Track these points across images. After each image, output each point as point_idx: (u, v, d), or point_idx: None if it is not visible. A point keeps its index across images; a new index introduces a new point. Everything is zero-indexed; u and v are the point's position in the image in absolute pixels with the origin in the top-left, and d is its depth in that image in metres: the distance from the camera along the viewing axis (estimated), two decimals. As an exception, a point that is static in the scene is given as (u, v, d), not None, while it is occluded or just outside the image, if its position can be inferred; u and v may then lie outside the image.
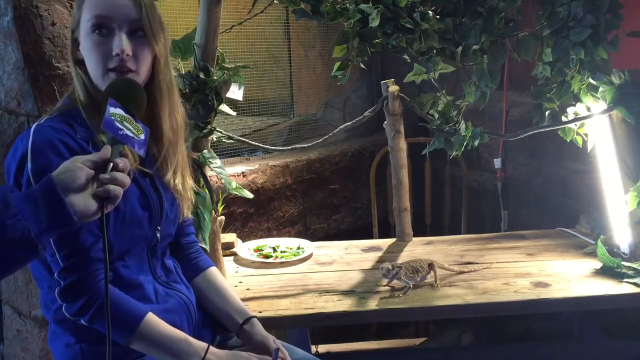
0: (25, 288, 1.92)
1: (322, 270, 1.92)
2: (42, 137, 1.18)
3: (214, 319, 1.46)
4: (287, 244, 2.14)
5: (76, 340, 1.27)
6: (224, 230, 1.99)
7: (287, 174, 2.69)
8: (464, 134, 1.89)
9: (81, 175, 0.94)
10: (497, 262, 1.93)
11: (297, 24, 2.88)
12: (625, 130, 1.88)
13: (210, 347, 1.27)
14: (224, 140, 1.82)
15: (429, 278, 1.77)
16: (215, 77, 1.66)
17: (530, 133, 1.97)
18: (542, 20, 1.68)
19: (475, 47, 1.71)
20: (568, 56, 1.69)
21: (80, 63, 1.26)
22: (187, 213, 1.44)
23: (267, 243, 2.14)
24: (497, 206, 2.76)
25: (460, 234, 2.56)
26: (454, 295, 1.69)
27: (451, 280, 1.80)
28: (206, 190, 1.68)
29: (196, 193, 1.57)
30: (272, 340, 1.38)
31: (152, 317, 1.24)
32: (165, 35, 1.30)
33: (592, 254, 1.90)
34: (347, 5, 1.69)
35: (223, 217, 1.85)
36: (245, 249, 2.08)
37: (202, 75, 1.64)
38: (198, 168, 1.69)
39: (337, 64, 1.78)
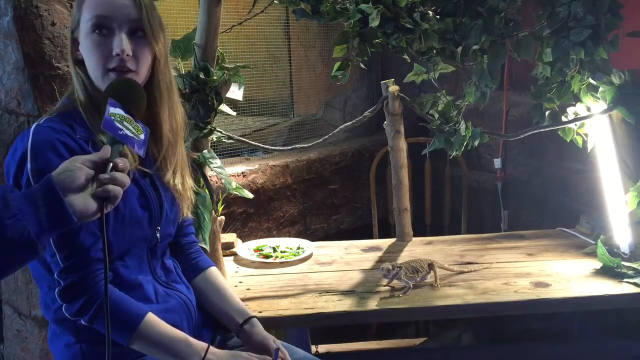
0: (25, 288, 1.92)
1: (322, 270, 1.92)
2: (41, 137, 1.18)
3: (214, 319, 1.46)
4: (287, 244, 2.14)
5: (76, 340, 1.27)
6: (224, 230, 1.99)
7: (287, 174, 2.69)
8: (464, 134, 1.89)
9: (81, 175, 0.93)
10: (497, 262, 1.93)
11: (297, 24, 2.88)
12: (625, 130, 1.88)
13: (210, 347, 1.27)
14: (224, 140, 1.82)
15: (429, 278, 1.77)
16: (215, 77, 1.66)
17: (530, 133, 1.97)
18: (542, 20, 1.68)
19: (475, 47, 1.71)
20: (568, 56, 1.69)
21: (79, 63, 1.26)
22: (187, 213, 1.44)
23: (267, 243, 2.14)
24: (497, 206, 2.76)
25: (460, 234, 2.55)
26: (454, 295, 1.69)
27: (451, 280, 1.80)
28: (206, 190, 1.68)
29: (196, 193, 1.57)
30: (272, 340, 1.38)
31: (152, 317, 1.24)
32: (165, 35, 1.30)
33: (592, 254, 1.90)
34: (347, 5, 1.69)
35: (223, 217, 1.85)
36: (245, 249, 2.08)
37: (202, 75, 1.64)
38: (198, 168, 1.69)
39: (337, 64, 1.78)
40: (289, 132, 2.89)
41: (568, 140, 1.96)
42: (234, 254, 2.06)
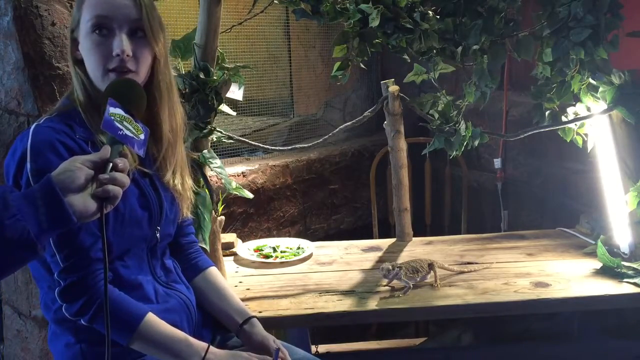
0: (25, 288, 1.92)
1: (322, 270, 1.92)
2: (41, 137, 1.18)
3: (214, 319, 1.46)
4: (287, 244, 2.14)
5: (76, 341, 1.27)
6: (224, 230, 1.99)
7: (287, 174, 2.69)
8: (464, 134, 1.89)
9: (80, 176, 0.93)
10: (497, 262, 1.93)
11: (297, 24, 2.88)
12: (625, 130, 1.88)
13: (211, 347, 1.27)
14: (224, 140, 1.82)
15: (429, 278, 1.77)
16: (215, 77, 1.66)
17: (530, 133, 1.97)
18: (542, 20, 1.68)
19: (475, 47, 1.71)
20: (568, 56, 1.69)
21: (79, 63, 1.26)
22: (187, 213, 1.44)
23: (267, 243, 2.14)
24: (497, 206, 2.76)
25: (460, 234, 2.55)
26: (454, 295, 1.69)
27: (451, 280, 1.80)
28: (206, 190, 1.68)
29: (196, 193, 1.57)
30: (272, 340, 1.38)
31: (152, 317, 1.24)
32: (165, 35, 1.30)
33: (592, 254, 1.90)
34: (347, 5, 1.69)
35: (223, 217, 1.85)
36: (245, 249, 2.08)
37: (202, 75, 1.64)
38: (198, 168, 1.69)
39: (337, 64, 1.78)
40: (289, 132, 2.89)
41: (568, 140, 1.96)
42: (234, 254, 2.06)
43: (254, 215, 2.57)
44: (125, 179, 0.98)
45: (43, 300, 1.30)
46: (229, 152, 2.57)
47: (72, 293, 1.20)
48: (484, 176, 2.88)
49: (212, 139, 1.76)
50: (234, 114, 1.81)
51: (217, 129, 1.75)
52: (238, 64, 1.73)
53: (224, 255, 1.88)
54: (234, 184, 1.82)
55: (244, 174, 2.51)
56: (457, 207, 2.84)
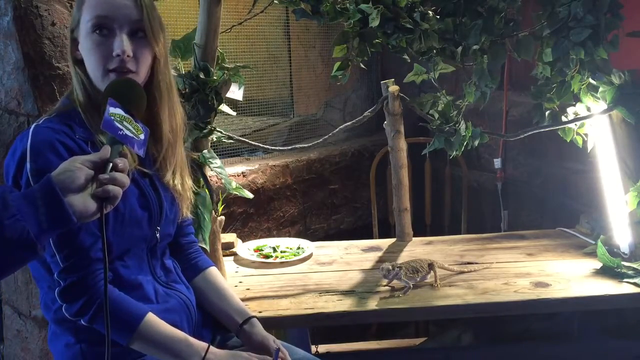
0: (25, 288, 1.92)
1: (322, 270, 1.92)
2: (40, 137, 1.18)
3: (214, 319, 1.46)
4: (287, 244, 2.14)
5: (76, 341, 1.27)
6: (224, 230, 1.99)
7: (287, 174, 2.69)
8: (464, 134, 1.89)
9: (80, 176, 0.93)
10: (497, 262, 1.93)
11: (297, 24, 2.88)
12: (625, 130, 1.88)
13: (211, 347, 1.27)
14: (224, 140, 1.82)
15: (429, 278, 1.77)
16: (215, 77, 1.66)
17: (530, 133, 1.97)
18: (542, 20, 1.68)
19: (475, 47, 1.71)
20: (568, 56, 1.69)
21: (79, 63, 1.26)
22: (187, 213, 1.44)
23: (267, 243, 2.14)
24: (497, 206, 2.76)
25: (460, 234, 2.55)
26: (454, 295, 1.69)
27: (451, 280, 1.80)
28: (206, 190, 1.68)
29: (196, 193, 1.57)
30: (272, 340, 1.38)
31: (152, 317, 1.24)
32: (165, 35, 1.30)
33: (592, 254, 1.90)
34: (347, 5, 1.69)
35: (223, 217, 1.85)
36: (245, 249, 2.08)
37: (202, 75, 1.64)
38: (198, 168, 1.69)
39: (337, 64, 1.78)
40: (289, 132, 2.89)
41: (568, 140, 1.96)
42: (234, 254, 2.06)
43: (254, 215, 2.57)
44: (125, 179, 0.98)
45: (43, 300, 1.30)
46: (229, 152, 2.57)
47: (72, 293, 1.20)
48: (484, 176, 2.88)
49: (212, 139, 1.76)
50: (234, 114, 1.81)
51: (217, 129, 1.75)
52: (238, 64, 1.73)
53: (224, 255, 1.88)
54: (234, 184, 1.82)
55: (244, 174, 2.51)
56: (457, 207, 2.84)
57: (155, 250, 1.35)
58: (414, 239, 2.19)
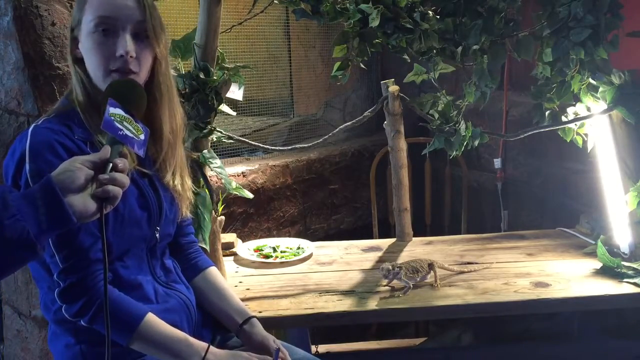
0: (25, 288, 1.92)
1: (322, 270, 1.92)
2: (39, 138, 1.18)
3: (214, 319, 1.46)
4: (287, 244, 2.14)
5: (76, 341, 1.26)
6: (224, 230, 1.99)
7: (287, 174, 2.69)
8: (464, 134, 1.89)
9: (80, 176, 0.93)
10: (497, 262, 1.93)
11: (297, 24, 2.88)
12: (625, 130, 1.88)
13: (211, 347, 1.27)
14: (224, 140, 1.82)
15: (429, 278, 1.77)
16: (215, 77, 1.66)
17: (530, 133, 1.97)
18: (542, 20, 1.68)
19: (475, 47, 1.71)
20: (568, 56, 1.69)
21: (79, 61, 1.25)
22: (186, 212, 1.44)
23: (267, 243, 2.14)
24: (497, 206, 2.76)
25: (460, 234, 2.55)
26: (454, 295, 1.69)
27: (451, 280, 1.80)
28: (206, 190, 1.68)
29: (196, 193, 1.57)
30: (272, 340, 1.38)
31: (151, 317, 1.24)
32: (165, 36, 1.30)
33: (592, 254, 1.90)
34: (347, 5, 1.69)
35: (223, 217, 1.85)
36: (245, 249, 2.08)
37: (202, 75, 1.64)
38: (198, 168, 1.69)
39: (337, 64, 1.78)
40: (289, 132, 2.89)
41: (568, 140, 1.96)
42: (234, 254, 2.06)
43: (254, 215, 2.57)
44: (125, 179, 0.98)
45: (43, 301, 1.30)
46: (229, 152, 2.57)
47: (72, 294, 1.20)
48: (484, 176, 2.88)
49: (212, 139, 1.76)
50: (234, 114, 1.81)
51: (217, 129, 1.75)
52: (238, 64, 1.73)
53: (224, 255, 1.88)
54: (234, 184, 1.82)
55: (244, 174, 2.51)
56: (457, 207, 2.84)
57: (155, 250, 1.35)
58: (414, 239, 2.19)
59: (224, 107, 1.73)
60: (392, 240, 2.20)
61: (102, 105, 1.06)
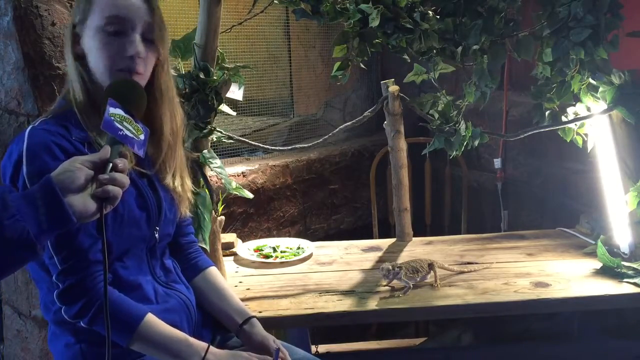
0: (25, 288, 1.92)
1: (322, 270, 1.92)
2: (36, 139, 1.17)
3: (214, 319, 1.46)
4: (287, 244, 2.14)
5: (76, 341, 1.26)
6: (224, 230, 1.99)
7: (287, 174, 2.69)
8: (464, 134, 1.89)
9: (80, 176, 0.93)
10: (497, 262, 1.93)
11: (297, 24, 2.88)
12: (625, 130, 1.88)
13: (211, 347, 1.27)
14: (224, 140, 1.82)
15: (429, 278, 1.77)
16: (215, 77, 1.66)
17: (530, 133, 1.97)
18: (542, 20, 1.68)
19: (475, 47, 1.71)
20: (568, 56, 1.69)
21: (80, 58, 1.24)
22: (186, 212, 1.43)
23: (267, 243, 2.14)
24: (497, 206, 2.76)
25: (460, 234, 2.55)
26: (454, 295, 1.69)
27: (451, 280, 1.80)
28: (206, 190, 1.68)
29: (196, 193, 1.57)
30: (272, 340, 1.38)
31: (151, 318, 1.24)
32: (166, 36, 1.30)
33: (592, 254, 1.90)
34: (347, 5, 1.69)
35: (223, 217, 1.85)
36: (245, 249, 2.08)
37: (202, 75, 1.64)
38: (198, 168, 1.69)
39: (337, 64, 1.78)
40: (289, 132, 2.89)
41: (568, 140, 1.96)
42: (234, 254, 2.06)
43: (254, 215, 2.57)
44: (125, 180, 0.98)
45: (43, 301, 1.30)
46: (229, 152, 2.57)
47: (71, 295, 1.20)
48: (484, 176, 2.88)
49: (212, 139, 1.76)
50: (234, 114, 1.81)
51: (217, 129, 1.75)
52: (238, 64, 1.73)
53: (224, 255, 1.88)
54: (234, 184, 1.82)
55: (244, 174, 2.51)
56: (457, 207, 2.84)
57: (154, 250, 1.35)
58: (414, 239, 2.19)
59: (224, 107, 1.73)
60: (392, 240, 2.20)
61: (102, 105, 1.06)
